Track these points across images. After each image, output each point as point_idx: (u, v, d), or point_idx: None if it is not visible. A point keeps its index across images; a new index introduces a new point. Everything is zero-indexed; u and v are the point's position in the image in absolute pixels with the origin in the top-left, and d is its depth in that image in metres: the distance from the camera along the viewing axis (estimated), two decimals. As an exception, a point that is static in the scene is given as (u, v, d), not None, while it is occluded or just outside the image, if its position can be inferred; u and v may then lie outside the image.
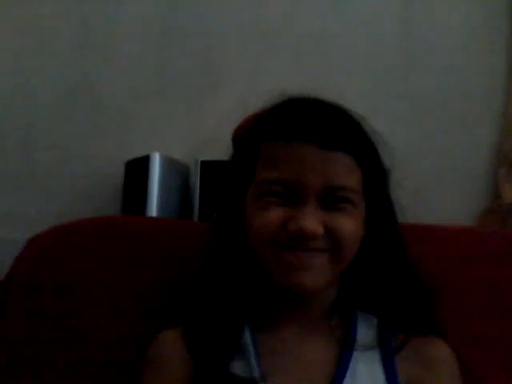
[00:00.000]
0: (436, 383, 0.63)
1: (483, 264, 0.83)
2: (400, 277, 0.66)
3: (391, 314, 0.66)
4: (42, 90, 1.36)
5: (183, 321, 0.67)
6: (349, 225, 0.60)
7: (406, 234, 0.86)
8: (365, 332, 0.65)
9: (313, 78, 1.35)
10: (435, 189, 1.35)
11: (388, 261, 0.66)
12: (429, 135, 1.38)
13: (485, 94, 1.39)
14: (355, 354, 0.63)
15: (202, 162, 1.20)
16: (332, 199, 0.60)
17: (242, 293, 0.64)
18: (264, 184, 0.61)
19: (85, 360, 0.76)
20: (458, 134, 1.38)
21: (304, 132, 0.59)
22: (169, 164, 1.22)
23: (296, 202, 0.59)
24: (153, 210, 1.19)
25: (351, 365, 0.62)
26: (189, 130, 1.34)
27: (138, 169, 1.22)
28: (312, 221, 0.58)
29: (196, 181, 1.21)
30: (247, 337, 0.63)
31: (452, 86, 1.40)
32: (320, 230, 0.58)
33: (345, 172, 0.60)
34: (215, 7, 1.40)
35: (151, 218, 1.13)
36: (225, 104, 1.31)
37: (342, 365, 0.62)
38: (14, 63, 1.37)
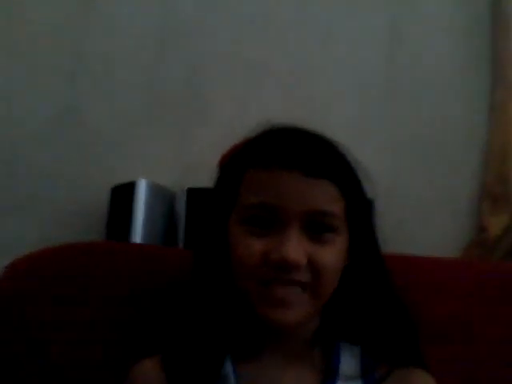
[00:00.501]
0: None
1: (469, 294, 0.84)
2: (383, 306, 0.66)
3: (374, 344, 0.65)
4: (29, 115, 1.36)
5: (162, 350, 0.65)
6: (331, 257, 0.60)
7: (391, 264, 0.89)
8: (347, 362, 0.64)
9: (299, 106, 1.38)
10: (419, 220, 1.36)
11: (371, 290, 0.66)
12: (414, 167, 1.40)
13: (468, 127, 1.42)
14: None
15: (189, 189, 1.20)
16: (315, 227, 0.60)
17: (223, 322, 0.64)
18: (246, 209, 0.61)
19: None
20: (443, 165, 1.40)
21: (286, 159, 0.60)
22: (155, 190, 1.23)
23: (279, 229, 0.59)
24: (137, 236, 1.19)
25: None
26: (176, 157, 1.35)
27: (123, 195, 1.22)
28: (295, 249, 0.58)
29: (182, 208, 1.21)
30: (228, 367, 0.62)
31: (437, 119, 1.42)
32: (303, 261, 0.58)
33: (328, 199, 0.60)
34: (204, 36, 1.42)
35: (135, 244, 1.12)
36: (212, 131, 1.34)
37: (324, 396, 0.61)
38: (0, 86, 1.37)
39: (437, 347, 0.78)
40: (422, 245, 1.24)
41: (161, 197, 1.25)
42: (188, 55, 1.42)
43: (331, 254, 0.60)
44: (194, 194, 1.20)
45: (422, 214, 1.37)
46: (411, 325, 0.66)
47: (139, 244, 1.13)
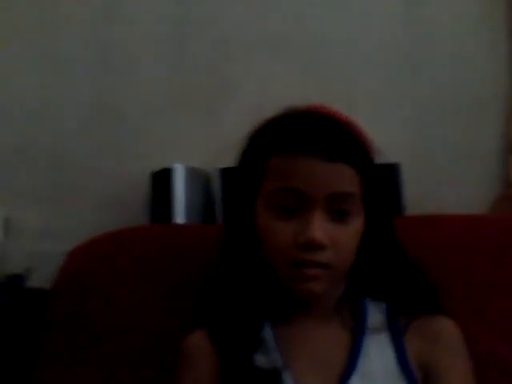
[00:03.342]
0: (443, 356, 0.69)
1: (492, 250, 0.88)
2: (398, 265, 0.73)
3: (398, 299, 0.72)
4: (67, 112, 1.42)
5: (209, 322, 0.72)
6: (351, 238, 0.67)
7: (419, 223, 0.92)
8: (374, 317, 0.71)
9: (321, 83, 1.40)
10: (448, 180, 1.39)
11: (386, 252, 0.72)
12: (438, 127, 1.42)
13: (490, 83, 1.42)
14: (366, 337, 0.69)
15: (222, 169, 1.26)
16: (337, 209, 0.66)
17: (259, 293, 0.70)
18: (272, 194, 0.67)
19: (123, 355, 0.83)
20: (467, 124, 1.41)
21: (310, 146, 0.65)
22: (191, 173, 1.28)
23: (303, 212, 0.65)
24: (179, 217, 1.24)
25: (363, 348, 0.68)
26: (207, 140, 1.39)
27: (162, 180, 1.28)
28: (319, 232, 0.64)
29: (217, 187, 1.27)
30: (267, 332, 0.69)
31: (458, 79, 1.43)
32: (326, 242, 0.64)
33: (349, 182, 0.66)
34: (225, 20, 1.45)
35: (179, 224, 1.19)
36: (239, 111, 1.37)
37: (355, 348, 0.68)
38: (40, 83, 1.42)
39: (474, 300, 0.84)
40: (452, 203, 1.32)
41: (197, 179, 1.30)
42: (209, 39, 1.44)
43: (351, 235, 0.67)
44: (227, 173, 1.25)
45: (448, 173, 1.39)
46: (425, 279, 0.73)
47: (181, 224, 1.20)
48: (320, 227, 0.64)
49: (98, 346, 0.84)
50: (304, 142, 0.66)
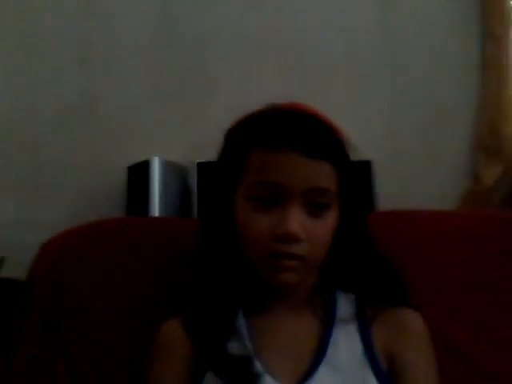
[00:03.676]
0: (408, 347, 0.71)
1: (463, 243, 0.91)
2: (368, 260, 0.75)
3: (367, 291, 0.74)
4: (45, 103, 1.43)
5: (183, 311, 0.74)
6: (325, 231, 0.69)
7: (390, 218, 0.95)
8: (344, 308, 0.74)
9: (298, 80, 1.43)
10: (418, 177, 1.43)
11: (358, 246, 0.75)
12: (411, 126, 1.46)
13: (461, 84, 1.47)
14: (336, 328, 0.71)
15: (199, 163, 1.28)
16: (314, 203, 0.68)
17: (233, 283, 0.72)
18: (252, 186, 0.68)
19: (95, 348, 0.83)
20: (438, 123, 1.45)
21: (293, 142, 0.67)
22: (168, 167, 1.29)
23: (281, 205, 0.67)
24: (155, 209, 1.26)
25: (332, 338, 0.70)
26: (185, 134, 1.41)
27: (139, 173, 1.29)
28: (296, 225, 0.66)
29: (194, 181, 1.28)
30: (241, 320, 0.71)
31: (431, 79, 1.47)
32: (303, 235, 0.66)
33: (326, 178, 0.68)
34: (207, 19, 1.47)
35: (154, 217, 1.20)
36: (218, 107, 1.39)
37: (324, 338, 0.70)
38: (15, 78, 1.43)
39: (439, 294, 0.85)
40: (420, 199, 1.34)
41: (174, 172, 1.32)
42: (191, 36, 1.46)
43: (326, 229, 0.69)
44: (203, 167, 1.27)
45: (419, 170, 1.44)
46: (393, 272, 0.75)
47: (157, 217, 1.21)
48: (297, 221, 0.66)
49: (71, 338, 0.84)
50: (287, 137, 0.67)
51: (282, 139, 0.67)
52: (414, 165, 1.44)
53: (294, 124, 0.69)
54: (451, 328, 0.83)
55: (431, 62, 1.48)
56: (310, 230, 0.67)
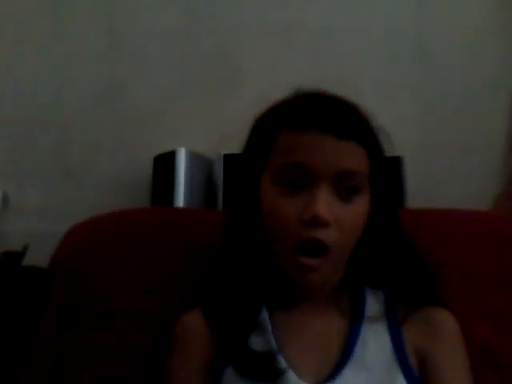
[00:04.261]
0: (441, 348, 0.68)
1: (490, 246, 0.88)
2: (400, 255, 0.72)
3: (397, 289, 0.71)
4: (72, 93, 1.43)
5: (204, 302, 0.72)
6: (356, 217, 0.66)
7: (422, 217, 0.92)
8: (373, 305, 0.71)
9: (328, 68, 1.40)
10: (448, 174, 1.39)
11: (390, 241, 0.72)
12: (442, 123, 1.42)
13: (496, 79, 1.42)
14: (364, 325, 0.68)
15: (225, 155, 1.26)
16: (344, 187, 0.65)
17: (258, 277, 0.70)
18: (279, 168, 0.66)
19: (120, 337, 0.82)
20: (471, 120, 1.41)
21: (322, 122, 0.64)
22: (194, 158, 1.28)
23: (310, 189, 0.64)
24: (180, 201, 1.25)
25: (361, 335, 0.67)
26: (212, 125, 1.39)
27: (165, 163, 1.28)
28: (324, 208, 0.62)
29: (220, 173, 1.27)
30: (264, 315, 0.69)
31: (466, 74, 1.43)
32: (330, 218, 0.63)
33: (357, 160, 0.65)
34: (235, 7, 1.45)
35: (178, 208, 1.19)
36: (245, 99, 1.37)
37: (352, 335, 0.68)
38: (41, 66, 1.43)
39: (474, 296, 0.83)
40: (451, 198, 1.31)
41: (199, 163, 1.30)
42: (218, 26, 1.44)
43: (356, 214, 0.66)
44: (230, 159, 1.25)
45: (450, 168, 1.39)
46: (427, 270, 0.72)
47: (181, 208, 1.19)
48: (325, 203, 0.63)
49: (92, 325, 0.83)
50: (315, 117, 0.65)
51: (309, 119, 0.65)
52: (444, 162, 1.40)
53: (323, 104, 0.67)
54: (485, 331, 0.80)
55: (468, 56, 1.43)
56: (339, 215, 0.64)
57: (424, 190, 1.32)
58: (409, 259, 0.72)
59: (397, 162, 1.24)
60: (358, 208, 0.66)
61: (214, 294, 0.72)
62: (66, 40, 1.45)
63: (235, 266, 0.71)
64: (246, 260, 0.71)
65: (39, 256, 1.00)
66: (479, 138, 1.40)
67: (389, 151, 0.72)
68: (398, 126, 1.30)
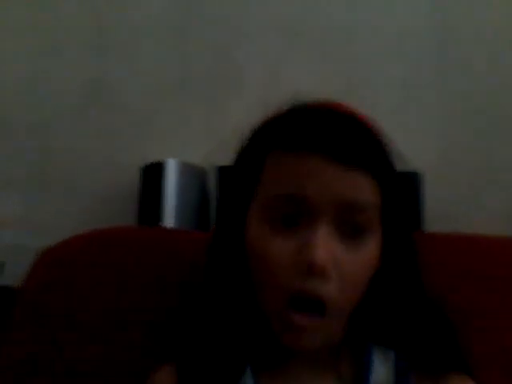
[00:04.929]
0: None
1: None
2: (417, 307, 0.59)
3: (409, 348, 0.59)
4: (57, 92, 1.36)
5: (178, 358, 0.61)
6: (362, 264, 0.53)
7: (444, 243, 0.82)
8: (380, 369, 0.58)
9: (337, 72, 1.31)
10: (471, 196, 1.29)
11: (404, 290, 0.59)
12: (465, 138, 1.32)
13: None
14: None
15: (220, 167, 1.16)
16: (348, 224, 0.53)
17: (242, 330, 0.58)
18: (270, 199, 0.54)
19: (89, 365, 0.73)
20: (497, 136, 1.31)
21: (322, 143, 0.53)
22: (185, 169, 1.20)
23: (306, 225, 0.52)
24: (169, 216, 1.16)
25: None
26: (206, 133, 1.32)
27: (153, 175, 1.19)
28: (323, 254, 0.51)
29: (214, 187, 1.18)
30: (248, 379, 0.57)
31: (492, 79, 1.32)
32: (330, 267, 0.51)
33: (363, 190, 0.53)
34: (234, 2, 1.38)
35: (164, 229, 1.09)
36: (246, 103, 1.28)
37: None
38: (27, 64, 1.37)
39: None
40: (472, 222, 1.21)
41: (192, 176, 1.21)
42: (216, 23, 1.37)
43: (363, 262, 0.53)
44: (226, 171, 1.14)
45: (473, 189, 1.29)
46: (449, 325, 0.59)
47: (171, 229, 1.11)
48: (325, 248, 0.51)
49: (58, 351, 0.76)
50: (310, 135, 0.53)
51: (306, 139, 0.53)
52: (469, 180, 1.29)
53: (324, 122, 0.55)
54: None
55: (492, 62, 1.32)
56: (342, 262, 0.52)
57: (443, 211, 1.21)
58: (424, 312, 0.59)
59: (414, 179, 1.12)
60: (366, 253, 0.54)
61: (190, 349, 0.60)
62: (50, 37, 1.38)
63: (214, 316, 0.59)
64: (227, 310, 0.58)
65: (16, 275, 0.92)
66: (506, 158, 1.30)
67: (404, 166, 0.61)
68: (416, 139, 1.24)
